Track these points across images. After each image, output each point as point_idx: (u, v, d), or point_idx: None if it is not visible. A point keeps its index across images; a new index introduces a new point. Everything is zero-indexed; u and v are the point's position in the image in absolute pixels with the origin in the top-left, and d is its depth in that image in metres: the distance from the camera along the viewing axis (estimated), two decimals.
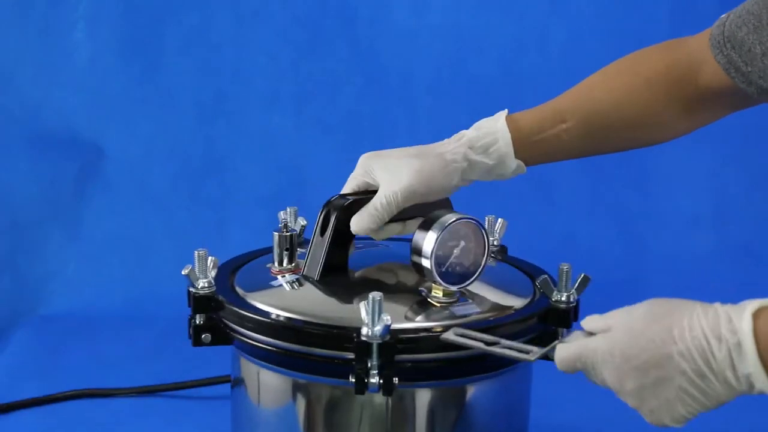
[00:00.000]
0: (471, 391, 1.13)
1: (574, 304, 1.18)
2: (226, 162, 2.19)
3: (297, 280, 1.20)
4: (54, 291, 2.05)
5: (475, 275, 1.16)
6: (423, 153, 1.21)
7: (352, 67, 2.21)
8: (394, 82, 2.23)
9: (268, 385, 1.16)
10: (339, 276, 1.20)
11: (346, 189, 1.22)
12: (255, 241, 1.37)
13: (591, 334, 1.02)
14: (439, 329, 1.08)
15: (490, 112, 1.26)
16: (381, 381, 1.04)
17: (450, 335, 1.06)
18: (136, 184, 2.15)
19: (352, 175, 1.23)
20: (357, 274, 1.21)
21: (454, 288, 1.14)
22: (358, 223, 1.19)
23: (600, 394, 1.12)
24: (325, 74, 2.21)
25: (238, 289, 1.19)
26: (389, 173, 1.19)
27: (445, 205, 1.23)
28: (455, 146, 1.22)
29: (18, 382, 1.69)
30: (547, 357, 1.04)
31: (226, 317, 1.15)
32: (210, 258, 1.17)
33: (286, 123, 2.21)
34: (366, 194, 1.20)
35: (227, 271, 1.24)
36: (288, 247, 1.22)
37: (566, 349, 1.01)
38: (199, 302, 1.16)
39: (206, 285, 1.17)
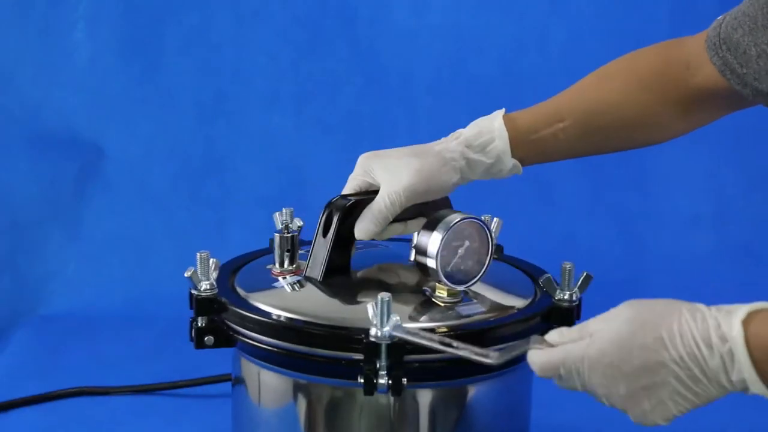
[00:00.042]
0: (473, 391, 1.13)
1: (577, 303, 1.18)
2: (226, 162, 2.19)
3: (300, 281, 1.20)
4: (54, 291, 2.05)
5: (480, 275, 1.16)
6: (421, 152, 1.21)
7: (352, 67, 2.21)
8: (394, 82, 2.23)
9: (271, 386, 1.16)
10: (342, 277, 1.20)
11: (347, 190, 1.22)
12: (255, 241, 1.37)
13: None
14: (443, 329, 1.08)
15: (490, 112, 1.26)
16: (390, 381, 1.04)
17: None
18: (136, 184, 2.15)
19: (352, 175, 1.22)
20: (359, 274, 1.21)
21: (459, 288, 1.14)
22: (362, 230, 1.19)
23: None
24: (325, 74, 2.21)
25: (240, 291, 1.19)
26: (389, 173, 1.19)
27: (445, 204, 1.24)
28: (453, 145, 1.22)
29: (18, 382, 1.69)
30: (511, 361, 1.03)
31: (230, 320, 1.15)
32: (212, 260, 1.17)
33: (286, 123, 2.21)
34: (367, 194, 1.20)
35: (227, 273, 1.23)
36: (289, 248, 1.21)
37: (546, 355, 1.00)
38: (201, 304, 1.15)
39: (208, 287, 1.16)
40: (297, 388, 1.13)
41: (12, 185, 2.09)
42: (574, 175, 2.19)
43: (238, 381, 1.21)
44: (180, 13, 2.16)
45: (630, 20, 2.23)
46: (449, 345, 1.03)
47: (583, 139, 1.26)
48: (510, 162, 1.24)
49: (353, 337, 1.06)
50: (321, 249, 1.19)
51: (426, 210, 1.22)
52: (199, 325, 1.16)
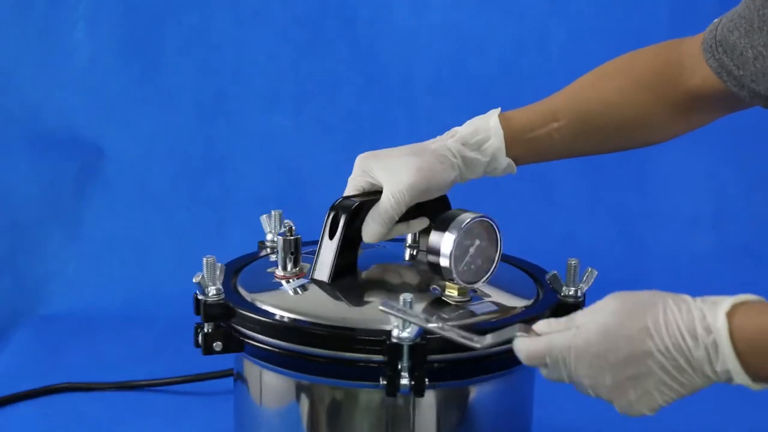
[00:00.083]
0: (476, 391, 1.13)
1: (582, 299, 1.20)
2: (226, 162, 2.19)
3: (306, 284, 1.19)
4: (54, 291, 2.05)
5: (489, 272, 1.17)
6: (419, 150, 1.21)
7: (352, 67, 2.21)
8: (394, 82, 2.23)
9: (279, 389, 1.16)
10: (348, 279, 1.19)
11: (348, 191, 1.22)
12: (255, 241, 1.37)
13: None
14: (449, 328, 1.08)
15: None
16: (413, 382, 1.05)
17: (387, 308, 1.05)
18: (136, 184, 2.15)
19: (351, 177, 1.22)
20: (363, 276, 1.21)
21: (471, 286, 1.15)
22: (369, 232, 1.18)
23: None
24: (325, 74, 2.21)
25: (246, 295, 1.18)
26: (390, 173, 1.19)
27: (443, 202, 1.24)
28: (449, 142, 1.22)
29: (18, 382, 1.69)
30: (496, 345, 1.04)
31: (244, 325, 1.14)
32: (218, 265, 1.16)
33: (286, 123, 2.21)
34: (370, 195, 1.20)
35: (228, 276, 1.23)
36: (293, 251, 1.21)
37: (533, 343, 1.00)
38: (210, 310, 1.14)
39: (215, 292, 1.15)
40: (310, 391, 1.13)
41: (12, 185, 2.09)
42: (574, 175, 2.19)
43: (242, 382, 1.21)
44: (180, 13, 2.16)
45: (630, 20, 2.23)
46: (437, 325, 1.04)
47: (578, 139, 1.26)
48: (505, 161, 1.24)
49: (376, 339, 1.06)
50: (328, 251, 1.19)
51: (424, 209, 1.23)
52: (207, 331, 1.15)
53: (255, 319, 1.13)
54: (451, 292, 1.15)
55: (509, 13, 2.23)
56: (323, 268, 1.19)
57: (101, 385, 1.69)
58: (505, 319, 1.13)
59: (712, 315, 0.93)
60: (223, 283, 1.18)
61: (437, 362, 1.07)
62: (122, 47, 2.15)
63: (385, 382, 1.05)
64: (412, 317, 1.05)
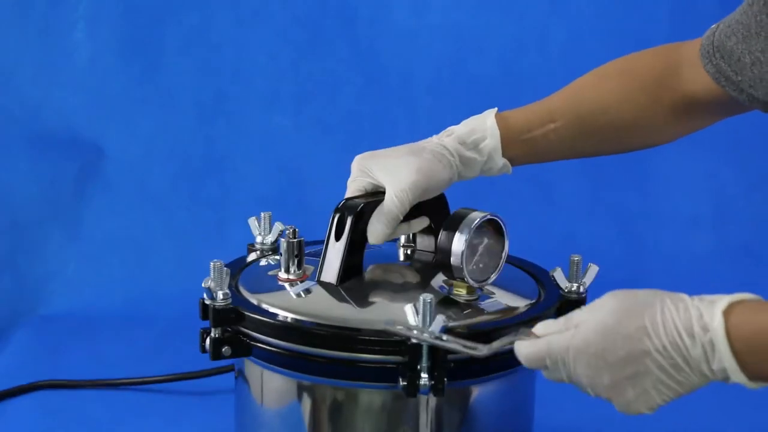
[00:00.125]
0: (477, 391, 1.14)
1: (584, 294, 1.21)
2: (226, 162, 2.19)
3: (312, 287, 1.19)
4: (54, 291, 2.05)
5: (497, 270, 1.17)
6: (417, 150, 1.22)
7: (352, 67, 2.21)
8: (394, 82, 2.23)
9: (285, 390, 1.16)
10: (354, 280, 1.19)
11: (350, 193, 1.21)
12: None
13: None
14: (463, 328, 1.08)
15: None
16: (432, 382, 1.05)
17: (389, 327, 1.06)
18: (136, 184, 2.15)
19: (351, 179, 1.22)
20: (367, 277, 1.21)
21: (480, 285, 1.15)
22: (375, 233, 1.18)
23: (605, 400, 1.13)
24: (325, 74, 2.21)
25: (252, 299, 1.17)
26: (390, 173, 1.19)
27: (441, 201, 1.24)
28: (447, 141, 1.22)
29: (18, 382, 1.69)
30: (498, 352, 1.04)
31: (255, 330, 1.13)
32: (225, 269, 1.15)
33: (286, 123, 2.21)
34: (373, 196, 1.20)
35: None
36: (296, 253, 1.20)
37: (532, 346, 1.01)
38: (219, 315, 1.14)
39: (223, 297, 1.14)
40: (322, 393, 1.13)
41: (12, 185, 2.09)
42: (574, 175, 2.19)
43: (245, 384, 1.21)
44: (180, 13, 2.16)
45: (630, 20, 2.23)
46: (439, 339, 1.04)
47: (576, 141, 1.26)
48: (500, 161, 1.24)
49: (395, 340, 1.07)
50: (335, 253, 1.18)
51: (423, 209, 1.23)
52: (215, 336, 1.14)
53: (270, 323, 1.12)
54: (460, 290, 1.16)
55: (509, 13, 2.23)
56: (331, 271, 1.18)
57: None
58: (515, 316, 1.13)
59: (708, 314, 0.93)
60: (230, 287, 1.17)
61: (453, 361, 1.07)
62: (122, 47, 2.15)
63: (405, 383, 1.06)
64: (417, 334, 1.05)
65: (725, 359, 0.92)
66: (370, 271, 1.22)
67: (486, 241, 1.16)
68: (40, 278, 2.05)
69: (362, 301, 1.17)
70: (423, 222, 1.26)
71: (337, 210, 1.19)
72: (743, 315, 0.93)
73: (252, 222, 1.34)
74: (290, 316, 1.13)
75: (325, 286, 1.19)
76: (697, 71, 1.19)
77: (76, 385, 1.69)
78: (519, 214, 2.14)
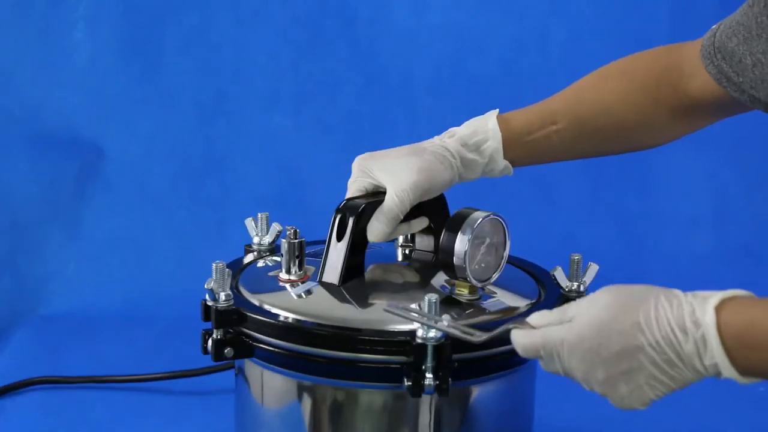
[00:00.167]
0: (477, 391, 1.14)
1: (585, 294, 1.21)
2: (226, 162, 2.19)
3: (316, 287, 1.19)
4: (54, 291, 2.05)
5: (498, 270, 1.18)
6: (418, 151, 1.22)
7: (352, 67, 2.21)
8: (394, 82, 2.23)
9: (282, 390, 1.16)
10: (356, 281, 1.19)
11: (350, 194, 1.21)
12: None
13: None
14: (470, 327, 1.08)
15: None
16: (437, 382, 1.05)
17: (393, 309, 1.06)
18: (136, 184, 2.15)
19: (351, 179, 1.22)
20: (367, 277, 1.21)
21: (482, 285, 1.16)
22: (375, 232, 1.18)
23: (600, 396, 1.12)
24: (325, 74, 2.21)
25: (254, 300, 1.17)
26: (391, 174, 1.19)
27: (440, 202, 1.24)
28: (448, 143, 1.23)
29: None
30: (494, 340, 1.04)
31: (257, 331, 1.13)
32: (227, 270, 1.15)
33: (286, 123, 2.21)
34: (374, 196, 1.20)
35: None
36: (297, 254, 1.20)
37: (528, 336, 1.01)
38: (221, 316, 1.13)
39: (225, 298, 1.14)
40: (325, 393, 1.13)
41: (12, 185, 2.09)
42: (574, 175, 2.19)
43: (247, 387, 1.21)
44: (180, 13, 2.16)
45: (630, 20, 2.23)
46: (440, 322, 1.05)
47: (577, 142, 1.26)
48: (502, 163, 1.24)
49: (400, 340, 1.07)
50: (337, 254, 1.18)
51: (422, 209, 1.23)
52: (217, 337, 1.14)
53: (272, 324, 1.12)
54: (462, 290, 1.16)
55: (509, 13, 2.23)
56: (333, 271, 1.18)
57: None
58: (517, 316, 1.14)
59: (701, 309, 0.93)
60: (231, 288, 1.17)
61: (457, 361, 1.08)
62: (122, 47, 2.15)
63: (409, 383, 1.06)
64: (417, 317, 1.05)
65: (716, 354, 0.93)
66: (370, 271, 1.22)
67: (488, 240, 1.17)
68: (40, 278, 2.05)
69: (364, 301, 1.17)
70: (423, 222, 1.26)
71: (338, 210, 1.19)
72: (734, 311, 0.93)
73: (249, 223, 1.34)
74: (293, 316, 1.13)
75: (327, 286, 1.18)
76: (698, 72, 1.19)
77: (71, 381, 1.70)
78: (519, 214, 2.13)
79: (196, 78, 2.18)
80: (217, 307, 1.14)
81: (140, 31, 2.15)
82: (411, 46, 2.22)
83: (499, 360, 1.12)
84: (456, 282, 1.16)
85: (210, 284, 1.14)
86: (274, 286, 1.20)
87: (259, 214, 1.33)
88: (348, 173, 1.23)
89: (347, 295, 1.17)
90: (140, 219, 2.13)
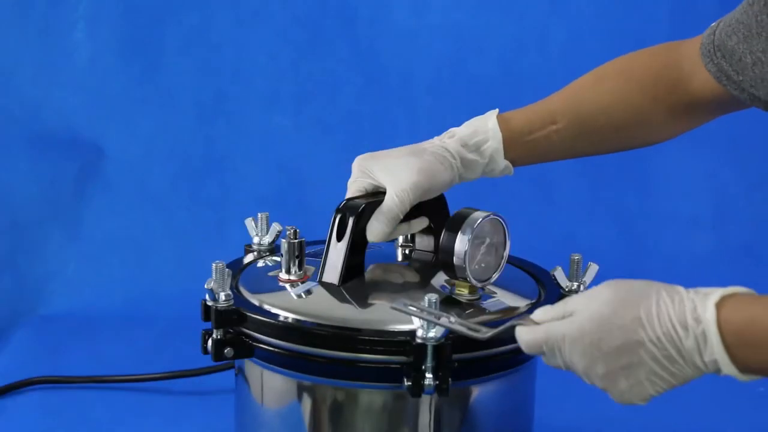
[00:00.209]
0: (477, 391, 1.14)
1: None
2: (226, 162, 2.19)
3: (316, 287, 1.19)
4: (54, 291, 2.05)
5: (498, 270, 1.18)
6: (418, 151, 1.22)
7: (352, 67, 2.21)
8: (394, 82, 2.23)
9: (282, 390, 1.16)
10: (356, 281, 1.19)
11: (350, 194, 1.21)
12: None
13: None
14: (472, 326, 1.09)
15: None
16: (437, 382, 1.05)
17: (399, 306, 1.06)
18: (136, 184, 2.15)
19: (351, 179, 1.22)
20: (367, 277, 1.21)
21: (482, 285, 1.16)
22: (374, 231, 1.18)
23: (600, 395, 1.12)
24: (325, 74, 2.21)
25: (254, 300, 1.17)
26: (392, 174, 1.19)
27: (440, 202, 1.24)
28: (449, 143, 1.23)
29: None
30: (500, 337, 1.05)
31: (257, 331, 1.13)
32: (227, 270, 1.15)
33: (286, 123, 2.21)
34: (374, 197, 1.20)
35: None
36: (297, 254, 1.20)
37: (531, 332, 1.01)
38: (221, 316, 1.13)
39: (225, 298, 1.14)
40: (324, 393, 1.13)
41: (12, 185, 2.09)
42: (574, 175, 2.20)
43: (244, 383, 1.21)
44: (180, 13, 2.16)
45: (630, 20, 2.23)
46: (446, 319, 1.05)
47: (577, 141, 1.26)
48: (502, 162, 1.25)
49: (400, 340, 1.07)
50: (336, 254, 1.18)
51: (422, 209, 1.23)
52: (217, 337, 1.14)
53: (273, 324, 1.12)
54: (462, 290, 1.16)
55: (509, 13, 2.23)
56: (333, 271, 1.18)
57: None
58: (517, 316, 1.13)
59: (702, 306, 0.94)
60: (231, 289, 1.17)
61: (457, 361, 1.08)
62: (122, 47, 2.15)
63: (409, 383, 1.06)
64: (423, 314, 1.05)
65: (716, 351, 0.93)
66: (370, 271, 1.22)
67: (488, 240, 1.17)
68: (40, 278, 2.05)
69: (364, 301, 1.17)
70: (423, 222, 1.26)
71: (338, 210, 1.19)
72: (735, 307, 0.93)
73: (249, 223, 1.34)
74: (292, 316, 1.13)
75: (327, 286, 1.18)
76: (697, 70, 1.19)
77: (71, 381, 1.70)
78: (519, 214, 2.13)
79: (196, 78, 2.18)
80: (217, 307, 1.14)
81: (140, 31, 2.15)
82: (411, 46, 2.22)
83: (499, 360, 1.12)
84: (456, 282, 1.16)
85: (210, 284, 1.14)
86: (274, 286, 1.20)
87: (259, 214, 1.33)
88: (348, 173, 1.23)
89: (347, 295, 1.17)
90: (140, 219, 2.13)
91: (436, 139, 1.25)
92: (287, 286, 1.19)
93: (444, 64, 2.23)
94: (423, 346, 1.05)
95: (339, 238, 1.18)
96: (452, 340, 1.06)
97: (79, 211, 2.12)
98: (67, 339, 1.90)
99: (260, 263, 1.30)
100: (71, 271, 2.07)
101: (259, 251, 1.32)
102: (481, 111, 1.27)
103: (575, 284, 1.21)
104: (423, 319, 1.06)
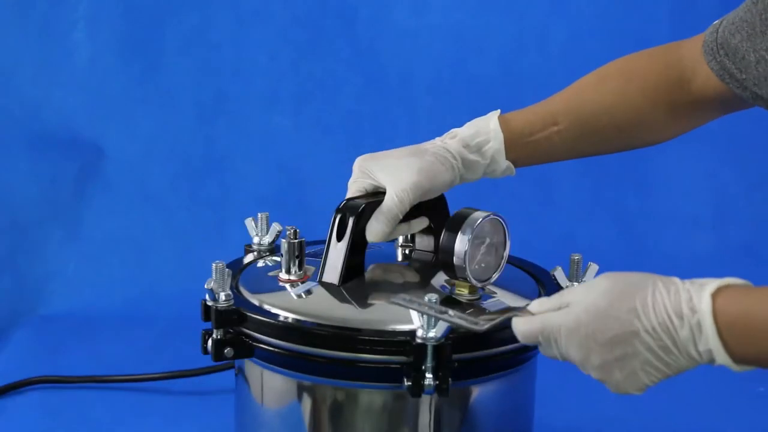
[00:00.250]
0: (477, 391, 1.14)
1: None
2: (226, 162, 2.19)
3: (316, 287, 1.19)
4: (54, 291, 2.05)
5: (498, 270, 1.18)
6: (418, 152, 1.22)
7: (352, 67, 2.21)
8: (394, 82, 2.23)
9: (282, 390, 1.16)
10: (356, 281, 1.19)
11: (350, 194, 1.21)
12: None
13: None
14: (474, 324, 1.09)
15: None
16: (437, 382, 1.05)
17: (399, 300, 1.07)
18: (136, 184, 2.15)
19: (352, 180, 1.22)
20: (367, 277, 1.21)
21: (482, 285, 1.16)
22: (374, 231, 1.18)
23: (600, 395, 1.13)
24: (325, 74, 2.21)
25: (254, 300, 1.17)
26: (392, 174, 1.19)
27: (441, 202, 1.24)
28: (450, 144, 1.23)
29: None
30: (497, 328, 1.05)
31: (257, 331, 1.13)
32: (227, 270, 1.15)
33: (286, 123, 2.21)
34: (374, 197, 1.20)
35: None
36: (297, 254, 1.20)
37: (528, 323, 1.02)
38: (221, 316, 1.13)
39: (225, 298, 1.14)
40: (324, 393, 1.13)
41: (12, 185, 2.09)
42: (574, 175, 2.20)
43: (244, 383, 1.21)
44: (180, 13, 2.16)
45: (630, 20, 2.23)
46: (445, 313, 1.05)
47: (578, 142, 1.26)
48: (504, 163, 1.25)
49: (400, 340, 1.07)
50: (336, 254, 1.18)
51: (423, 209, 1.23)
52: (217, 337, 1.14)
53: (273, 324, 1.12)
54: (462, 290, 1.16)
55: (509, 13, 2.23)
56: (333, 271, 1.18)
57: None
58: (514, 308, 1.13)
59: (697, 296, 0.94)
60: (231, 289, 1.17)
61: (457, 361, 1.08)
62: (122, 47, 2.15)
63: (409, 383, 1.06)
64: (422, 308, 1.06)
65: (711, 341, 0.93)
66: (370, 271, 1.22)
67: (488, 240, 1.17)
68: (40, 278, 2.05)
69: (364, 301, 1.17)
70: (423, 222, 1.26)
71: (338, 210, 1.19)
72: (730, 298, 0.94)
73: (249, 223, 1.34)
74: (293, 316, 1.13)
75: (327, 286, 1.18)
76: (699, 69, 1.19)
77: (71, 380, 1.70)
78: (519, 214, 2.13)
79: (196, 78, 2.18)
80: (217, 307, 1.14)
81: (140, 31, 2.15)
82: (411, 46, 2.22)
83: (499, 360, 1.12)
84: (456, 282, 1.16)
85: (210, 284, 1.14)
86: (274, 286, 1.20)
87: (259, 214, 1.33)
88: (348, 173, 1.23)
89: (347, 295, 1.17)
90: (140, 219, 2.13)
91: (437, 140, 1.25)
92: (287, 286, 1.19)
93: (444, 64, 2.23)
94: (423, 346, 1.05)
95: (339, 238, 1.18)
96: (452, 340, 1.06)
97: (79, 211, 2.12)
98: (67, 339, 1.90)
99: (260, 263, 1.30)
100: (71, 271, 2.07)
101: (259, 251, 1.32)
102: (482, 111, 1.27)
103: (575, 284, 1.22)
104: (422, 312, 1.06)
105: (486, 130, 1.23)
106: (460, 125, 1.26)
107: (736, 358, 0.94)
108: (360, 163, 1.22)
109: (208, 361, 1.21)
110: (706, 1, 2.12)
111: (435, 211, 1.25)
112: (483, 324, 1.04)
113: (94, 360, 1.80)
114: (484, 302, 1.16)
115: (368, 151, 1.23)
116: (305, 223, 1.31)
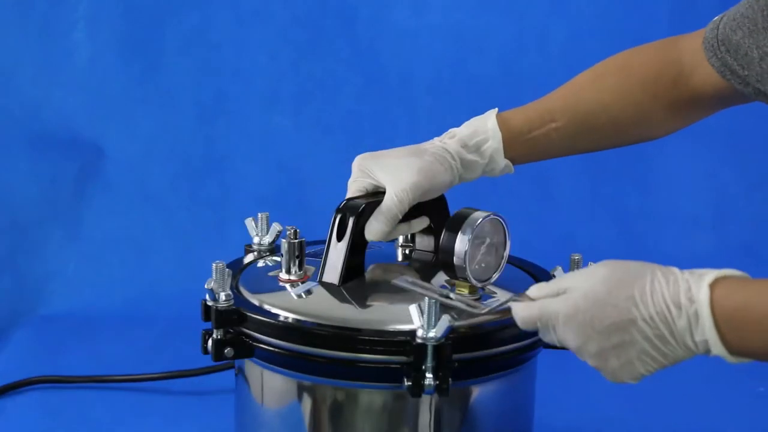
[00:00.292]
0: (477, 391, 1.14)
1: None
2: (226, 162, 2.19)
3: (316, 287, 1.19)
4: (54, 291, 2.05)
5: (498, 270, 1.18)
6: (418, 152, 1.22)
7: (352, 67, 2.21)
8: (394, 82, 2.23)
9: (282, 390, 1.16)
10: (356, 281, 1.19)
11: (350, 194, 1.21)
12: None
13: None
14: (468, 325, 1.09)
15: None
16: (437, 382, 1.06)
17: (401, 282, 1.07)
18: (136, 184, 2.15)
19: (351, 179, 1.22)
20: (367, 276, 1.21)
21: (482, 285, 1.16)
22: (373, 231, 1.18)
23: (600, 395, 1.13)
24: (325, 74, 2.21)
25: (254, 300, 1.17)
26: (392, 174, 1.19)
27: (441, 202, 1.24)
28: (449, 144, 1.23)
29: None
30: (496, 311, 1.07)
31: (257, 331, 1.13)
32: (227, 270, 1.15)
33: (286, 123, 2.21)
34: (374, 196, 1.20)
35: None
36: (297, 254, 1.20)
37: (527, 308, 1.02)
38: (221, 316, 1.13)
39: (225, 298, 1.14)
40: (324, 393, 1.13)
41: (12, 185, 2.09)
42: (574, 174, 2.20)
43: (244, 383, 1.21)
44: (180, 13, 2.16)
45: (630, 20, 2.23)
46: (447, 297, 1.07)
47: (577, 138, 1.26)
48: (502, 162, 1.25)
49: (400, 340, 1.07)
50: (337, 253, 1.18)
51: (423, 209, 1.23)
52: (217, 337, 1.14)
53: (273, 324, 1.12)
54: (462, 290, 1.16)
55: (509, 13, 2.23)
56: (333, 271, 1.18)
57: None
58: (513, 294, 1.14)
59: (696, 286, 0.94)
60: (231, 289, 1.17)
61: (457, 361, 1.08)
62: (122, 47, 2.15)
63: (409, 383, 1.06)
64: (424, 290, 1.06)
65: (707, 331, 0.93)
66: (370, 271, 1.22)
67: (488, 240, 1.17)
68: (40, 278, 2.06)
69: (364, 301, 1.17)
70: (423, 222, 1.26)
71: (338, 210, 1.19)
72: (728, 289, 0.94)
73: (249, 223, 1.34)
74: (293, 316, 1.13)
75: (327, 286, 1.18)
76: (698, 64, 1.19)
77: (71, 380, 1.70)
78: (519, 213, 2.13)
79: (196, 78, 2.18)
80: (217, 307, 1.14)
81: (140, 31, 2.15)
82: (411, 46, 2.22)
83: (499, 360, 1.12)
84: (456, 282, 1.16)
85: (210, 284, 1.14)
86: (274, 286, 1.20)
87: (259, 214, 1.33)
88: (348, 173, 1.23)
89: (347, 295, 1.17)
90: (140, 219, 2.13)
91: (436, 140, 1.25)
92: (287, 286, 1.19)
93: (444, 64, 2.23)
94: (423, 346, 1.05)
95: (339, 238, 1.18)
96: (452, 340, 1.06)
97: (79, 211, 2.12)
98: (67, 339, 1.90)
99: (260, 263, 1.30)
100: (71, 271, 2.08)
101: (259, 251, 1.32)
102: (481, 111, 1.27)
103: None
104: (423, 294, 1.06)
105: (484, 129, 1.23)
106: (460, 125, 1.26)
107: (732, 350, 0.94)
108: (359, 162, 1.22)
109: (208, 361, 1.21)
110: (705, 1, 2.11)
111: (435, 211, 1.25)
112: (482, 308, 1.05)
113: (94, 360, 1.80)
114: (484, 302, 1.16)
115: (368, 151, 1.23)
116: (305, 223, 1.31)
